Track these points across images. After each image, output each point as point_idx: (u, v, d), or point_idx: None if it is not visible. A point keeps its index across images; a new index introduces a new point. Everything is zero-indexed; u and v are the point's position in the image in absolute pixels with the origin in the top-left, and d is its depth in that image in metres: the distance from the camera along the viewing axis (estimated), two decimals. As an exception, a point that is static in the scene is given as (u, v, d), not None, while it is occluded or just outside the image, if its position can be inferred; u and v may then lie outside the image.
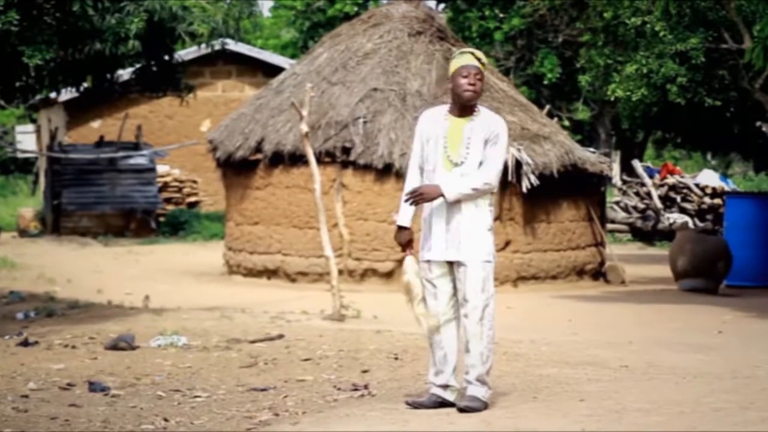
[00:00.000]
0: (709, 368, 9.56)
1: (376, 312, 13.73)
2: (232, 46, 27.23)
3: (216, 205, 27.90)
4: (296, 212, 17.96)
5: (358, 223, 17.48)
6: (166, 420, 7.49)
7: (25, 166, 40.52)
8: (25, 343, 10.73)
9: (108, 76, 15.53)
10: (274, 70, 26.31)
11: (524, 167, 17.24)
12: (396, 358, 9.87)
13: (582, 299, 16.46)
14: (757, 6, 17.01)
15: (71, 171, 26.83)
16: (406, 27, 18.73)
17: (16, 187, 38.37)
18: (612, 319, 14.21)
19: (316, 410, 7.74)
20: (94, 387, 8.53)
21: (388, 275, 17.36)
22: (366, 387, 8.50)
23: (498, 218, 17.20)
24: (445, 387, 7.63)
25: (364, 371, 9.24)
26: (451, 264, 7.56)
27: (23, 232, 27.31)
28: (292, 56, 35.44)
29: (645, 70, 17.79)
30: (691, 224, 25.66)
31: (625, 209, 27.84)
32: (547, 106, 22.66)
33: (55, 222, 27.32)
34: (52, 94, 22.68)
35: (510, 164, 16.94)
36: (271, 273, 18.22)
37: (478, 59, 7.63)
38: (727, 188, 27.42)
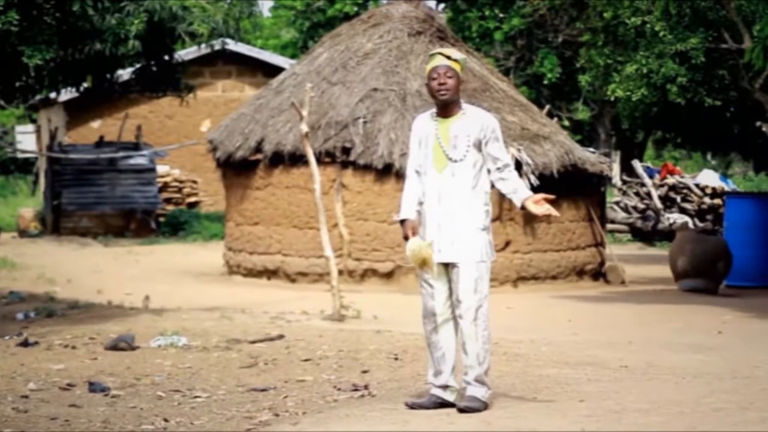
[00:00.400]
0: (709, 368, 9.56)
1: (376, 312, 13.74)
2: (232, 46, 27.23)
3: (216, 206, 27.91)
4: (296, 212, 17.96)
5: (358, 223, 17.48)
6: (166, 420, 7.50)
7: (25, 166, 40.52)
8: (25, 344, 10.73)
9: (108, 76, 15.55)
10: (274, 70, 26.31)
11: (524, 167, 17.24)
12: (396, 359, 9.87)
13: (582, 299, 16.46)
14: (756, 6, 17.01)
15: (71, 171, 26.83)
16: (406, 27, 18.73)
17: (16, 188, 38.37)
18: (612, 319, 14.21)
19: (316, 410, 7.74)
20: (94, 387, 8.53)
21: (388, 275, 17.37)
22: (366, 387, 8.50)
23: (498, 218, 17.20)
24: (445, 387, 7.63)
25: (364, 371, 9.24)
26: (446, 265, 7.56)
27: (23, 233, 27.31)
28: (292, 56, 35.44)
29: (645, 70, 17.80)
30: (691, 224, 25.66)
31: (625, 209, 27.84)
32: (547, 106, 22.66)
33: (55, 222, 27.32)
34: (52, 94, 22.68)
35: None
36: (271, 273, 18.22)
37: (448, 57, 7.63)
38: (727, 188, 27.43)
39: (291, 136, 17.75)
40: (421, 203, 7.65)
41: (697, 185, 27.67)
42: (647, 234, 27.19)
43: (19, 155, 39.22)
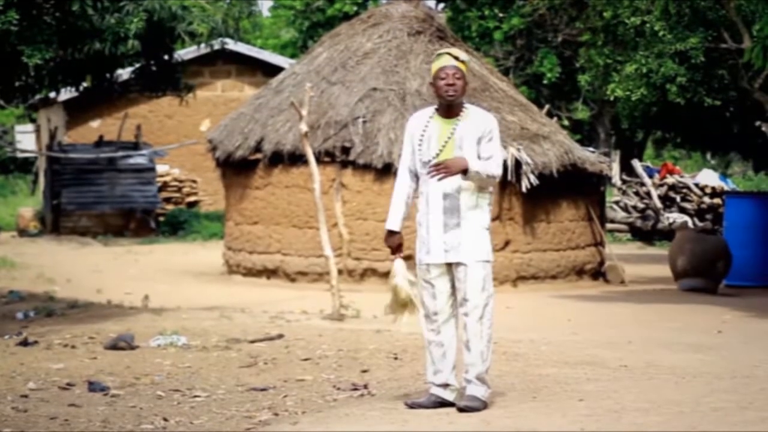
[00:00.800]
0: (709, 368, 9.56)
1: (375, 312, 13.67)
2: (232, 45, 27.24)
3: (215, 205, 27.91)
4: (296, 212, 17.96)
5: (358, 222, 17.48)
6: (165, 420, 7.50)
7: (25, 165, 40.53)
8: (24, 343, 10.73)
9: (107, 75, 15.53)
10: (273, 70, 26.32)
11: (524, 167, 17.25)
12: (395, 358, 9.87)
13: (581, 299, 16.46)
14: (756, 5, 17.01)
15: (71, 171, 26.83)
16: (405, 27, 18.74)
17: (16, 187, 38.38)
18: (611, 318, 14.22)
19: (315, 410, 7.75)
20: (93, 387, 8.53)
21: (388, 275, 17.29)
22: (365, 387, 8.50)
23: (497, 218, 17.21)
24: (445, 386, 7.63)
25: (364, 371, 9.24)
26: (449, 264, 7.57)
27: (23, 232, 27.32)
28: (292, 56, 35.43)
29: (644, 70, 17.80)
30: (690, 224, 25.66)
31: (625, 209, 27.85)
32: (547, 106, 22.66)
33: (55, 222, 27.32)
34: (52, 94, 22.66)
35: (509, 164, 16.95)
36: (270, 273, 18.22)
37: (456, 57, 7.64)
38: (726, 188, 27.43)
39: (290, 135, 17.75)
40: (407, 203, 7.66)
41: (696, 185, 27.68)
42: (647, 233, 27.19)
43: (19, 155, 39.23)
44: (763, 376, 9.15)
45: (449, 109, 7.64)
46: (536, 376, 8.90)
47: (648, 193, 27.65)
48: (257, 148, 18.28)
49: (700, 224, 25.85)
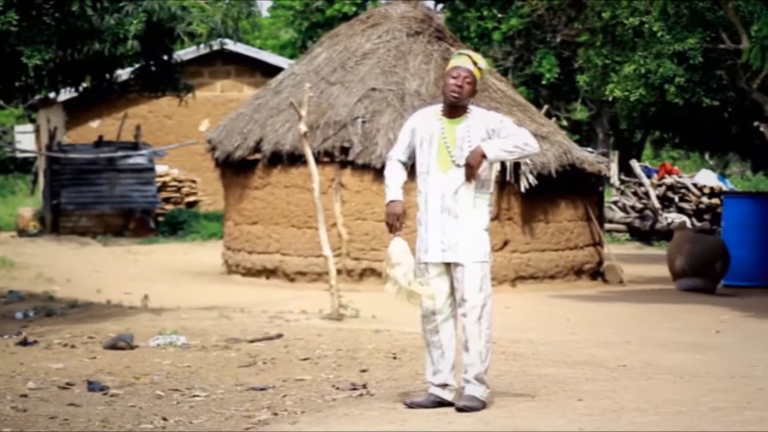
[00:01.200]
0: (707, 368, 9.58)
1: (374, 311, 13.73)
2: (231, 46, 27.19)
3: (215, 205, 27.91)
4: (295, 212, 17.97)
5: (357, 222, 17.49)
6: (164, 419, 7.51)
7: (24, 165, 40.52)
8: (24, 343, 10.74)
9: (107, 76, 15.54)
10: (272, 70, 26.32)
11: (522, 167, 17.27)
12: (394, 358, 9.88)
13: (580, 299, 16.47)
14: (754, 6, 17.04)
15: (70, 171, 26.83)
16: (404, 27, 18.75)
17: (15, 187, 38.37)
18: (610, 318, 14.23)
19: (314, 409, 7.75)
20: (93, 386, 8.54)
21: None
22: (364, 386, 8.51)
23: (496, 218, 17.23)
24: (444, 386, 7.64)
25: (363, 371, 9.25)
26: (447, 264, 7.58)
27: (22, 232, 27.31)
28: (291, 56, 35.44)
29: (643, 70, 17.84)
30: (688, 224, 25.68)
31: (623, 209, 27.86)
32: (546, 106, 22.67)
33: (54, 222, 27.32)
34: (51, 94, 22.68)
35: (508, 164, 16.97)
36: (269, 272, 18.24)
37: (475, 63, 7.65)
38: (724, 188, 27.46)
39: (290, 135, 17.77)
40: (402, 177, 7.61)
41: (695, 185, 27.70)
42: (645, 233, 27.21)
43: (19, 155, 39.22)
44: (761, 375, 9.17)
45: (452, 110, 7.66)
46: (535, 375, 8.92)
47: (646, 194, 27.67)
48: (256, 149, 18.29)
49: (698, 224, 25.86)
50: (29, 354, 10.18)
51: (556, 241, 18.14)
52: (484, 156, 7.45)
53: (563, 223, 18.26)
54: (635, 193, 28.11)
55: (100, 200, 26.97)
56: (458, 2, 29.40)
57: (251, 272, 18.48)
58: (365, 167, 17.41)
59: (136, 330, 11.34)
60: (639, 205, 27.74)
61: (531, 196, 17.43)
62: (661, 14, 17.46)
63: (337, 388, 8.51)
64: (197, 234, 26.12)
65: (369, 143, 17.41)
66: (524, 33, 30.26)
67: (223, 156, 18.88)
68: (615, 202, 28.02)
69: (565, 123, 32.63)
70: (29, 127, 37.72)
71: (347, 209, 17.42)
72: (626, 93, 18.26)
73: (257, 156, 18.31)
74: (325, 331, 11.77)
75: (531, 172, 17.28)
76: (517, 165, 17.24)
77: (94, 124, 29.07)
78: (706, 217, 26.71)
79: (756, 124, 25.93)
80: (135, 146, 27.33)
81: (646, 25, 17.72)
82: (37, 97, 25.09)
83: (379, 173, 17.34)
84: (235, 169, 18.83)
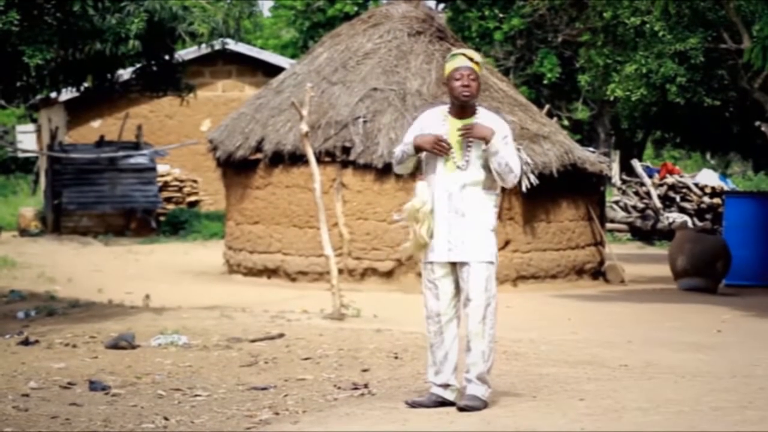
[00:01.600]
0: (708, 367, 9.58)
1: (376, 311, 13.75)
2: (232, 45, 27.22)
3: (216, 205, 27.92)
4: (296, 212, 17.98)
5: (358, 222, 17.50)
6: (166, 419, 7.51)
7: (26, 165, 40.54)
8: (25, 342, 10.75)
9: (108, 75, 15.59)
10: (274, 70, 26.32)
11: (524, 167, 17.26)
12: (396, 357, 9.89)
13: (581, 298, 16.48)
14: (756, 6, 17.04)
15: (72, 170, 26.84)
16: (405, 27, 18.75)
17: (17, 187, 38.38)
18: (611, 318, 14.23)
19: (316, 409, 7.76)
20: (94, 386, 8.55)
21: (388, 274, 17.39)
22: (366, 386, 8.52)
23: (498, 218, 17.21)
24: (446, 386, 7.64)
25: (364, 370, 9.25)
26: (453, 264, 7.58)
27: (24, 232, 27.32)
28: (292, 56, 35.44)
29: (644, 70, 17.83)
30: (690, 224, 25.68)
31: (625, 209, 27.86)
32: (547, 106, 22.66)
33: (56, 221, 27.33)
34: (53, 94, 22.71)
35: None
36: (271, 272, 18.24)
37: (471, 59, 7.67)
38: (726, 188, 27.45)
39: (291, 135, 17.77)
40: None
41: (696, 185, 27.70)
42: (646, 233, 27.21)
43: (20, 155, 39.24)
44: (762, 375, 9.17)
45: (462, 110, 7.68)
46: (536, 375, 8.92)
47: (648, 193, 27.67)
48: (258, 148, 18.29)
49: (699, 224, 25.86)
50: (31, 353, 10.19)
51: (557, 240, 18.14)
52: (490, 137, 7.44)
53: (564, 223, 18.26)
54: (636, 193, 28.11)
55: (101, 200, 26.98)
56: (459, 2, 29.40)
57: (252, 272, 18.48)
58: (367, 167, 17.41)
59: (138, 330, 11.34)
60: (640, 205, 27.74)
61: (532, 195, 17.42)
62: (662, 14, 17.45)
63: (339, 388, 8.52)
64: (198, 234, 26.13)
65: (370, 143, 17.41)
66: (526, 33, 30.27)
67: (225, 156, 18.88)
68: (616, 202, 28.02)
69: (566, 123, 32.64)
70: (30, 126, 37.75)
71: (348, 209, 17.42)
72: (627, 93, 18.27)
73: (258, 156, 18.31)
74: (326, 330, 11.77)
75: (532, 172, 17.27)
76: (518, 165, 17.21)
77: (96, 123, 29.08)
78: (708, 216, 26.71)
79: (757, 123, 25.95)
80: (136, 146, 27.34)
81: (648, 25, 17.72)
82: (39, 96, 25.12)
83: (380, 173, 17.36)
84: (237, 168, 18.83)
